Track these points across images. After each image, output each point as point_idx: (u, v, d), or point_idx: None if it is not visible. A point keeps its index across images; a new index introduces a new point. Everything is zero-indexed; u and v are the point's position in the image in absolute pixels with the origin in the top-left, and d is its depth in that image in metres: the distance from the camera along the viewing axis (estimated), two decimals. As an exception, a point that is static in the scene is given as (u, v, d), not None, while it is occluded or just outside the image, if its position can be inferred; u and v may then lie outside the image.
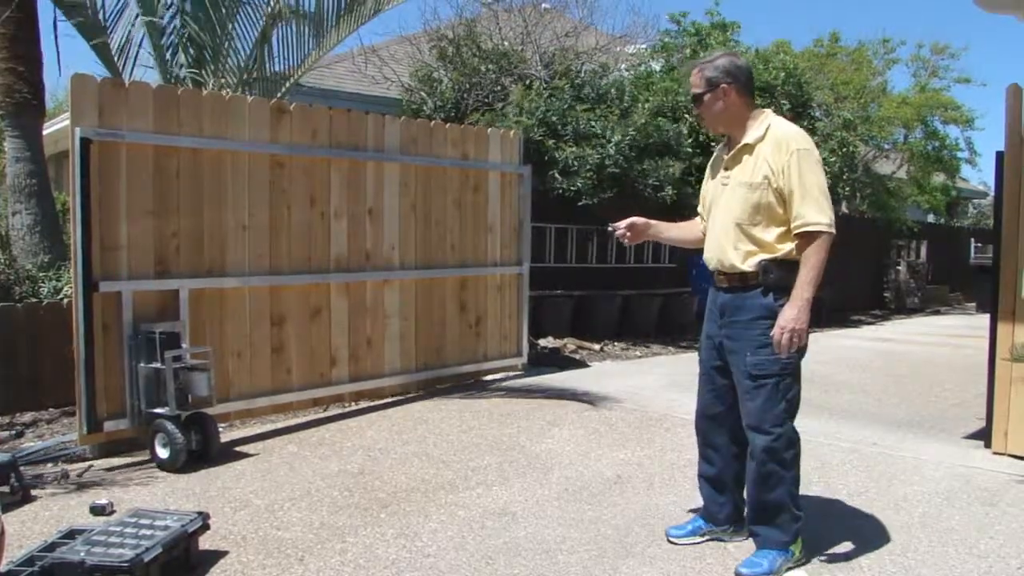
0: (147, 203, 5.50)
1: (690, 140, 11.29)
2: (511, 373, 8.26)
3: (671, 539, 3.90)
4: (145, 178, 5.49)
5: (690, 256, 13.48)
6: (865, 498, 4.62)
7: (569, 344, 10.01)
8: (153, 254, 5.56)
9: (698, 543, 3.86)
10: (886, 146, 18.05)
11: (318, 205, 6.52)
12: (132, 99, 5.43)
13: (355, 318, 6.86)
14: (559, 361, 9.20)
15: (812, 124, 13.34)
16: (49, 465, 5.04)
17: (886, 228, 18.18)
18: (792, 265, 3.46)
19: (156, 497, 4.48)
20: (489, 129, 8.30)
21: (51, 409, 6.33)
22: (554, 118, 9.92)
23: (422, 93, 10.95)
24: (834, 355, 10.61)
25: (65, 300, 6.64)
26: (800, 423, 6.43)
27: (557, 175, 9.74)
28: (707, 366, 3.82)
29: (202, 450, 5.12)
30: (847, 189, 15.22)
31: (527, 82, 10.87)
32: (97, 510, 4.18)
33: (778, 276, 3.47)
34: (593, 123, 10.04)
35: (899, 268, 18.95)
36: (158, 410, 5.17)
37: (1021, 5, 6.12)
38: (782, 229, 3.50)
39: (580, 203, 9.95)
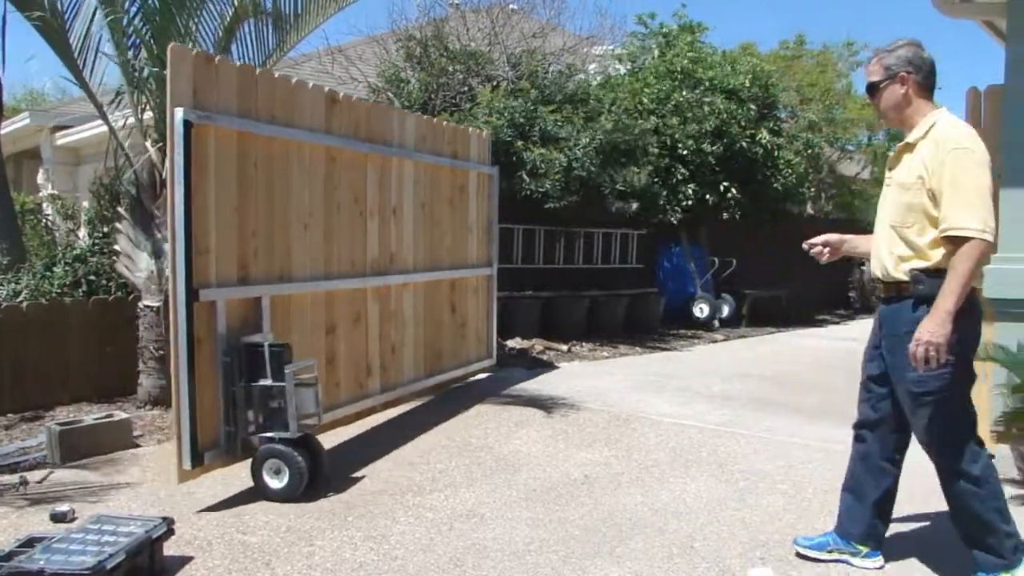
0: (231, 198, 4.82)
1: (656, 138, 11.35)
2: (481, 375, 8.24)
3: (797, 547, 3.76)
4: (230, 169, 4.82)
5: (657, 257, 13.59)
6: (832, 495, 4.61)
7: (537, 345, 10.01)
8: (236, 257, 4.88)
9: (821, 560, 3.69)
10: (850, 147, 18.26)
11: (359, 203, 6.09)
12: (221, 78, 4.79)
13: (384, 323, 6.41)
14: (527, 362, 9.19)
15: (777, 125, 13.48)
16: (7, 473, 4.94)
17: (850, 228, 18.37)
18: (944, 275, 3.21)
19: (119, 502, 4.42)
20: (470, 129, 8.27)
21: (9, 415, 6.20)
22: (522, 119, 9.92)
23: (389, 94, 10.89)
24: (800, 354, 10.72)
25: (25, 303, 6.53)
26: (768, 423, 6.53)
27: (525, 176, 9.74)
28: (865, 375, 3.67)
29: (312, 475, 4.60)
30: (812, 190, 15.38)
31: (494, 83, 10.86)
32: (58, 517, 4.11)
33: (928, 287, 3.25)
34: (559, 124, 10.05)
35: (863, 268, 19.10)
36: (270, 433, 4.59)
37: (980, 11, 6.22)
38: (937, 233, 3.27)
39: (547, 205, 9.96)
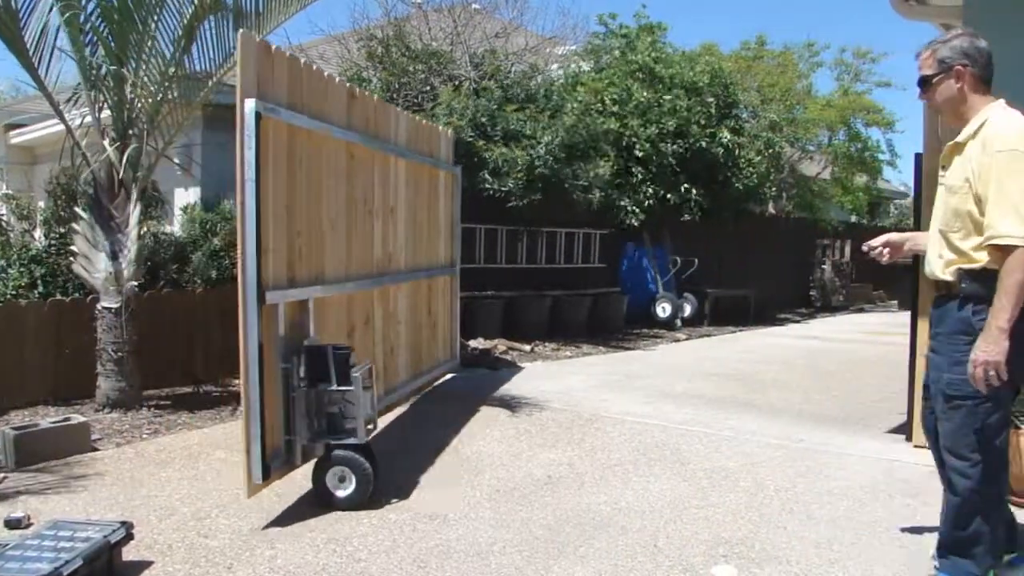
0: (283, 195, 4.56)
1: (615, 136, 11.42)
2: (445, 377, 8.22)
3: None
4: (282, 163, 4.56)
5: (620, 257, 13.64)
6: (792, 493, 4.70)
7: (500, 345, 10.00)
8: (286, 258, 4.63)
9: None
10: (811, 147, 18.49)
11: (367, 202, 5.93)
12: (276, 69, 4.56)
13: (385, 325, 6.28)
14: (490, 362, 9.18)
15: (738, 125, 13.60)
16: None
17: (811, 228, 18.62)
18: (992, 275, 3.06)
19: (77, 507, 4.34)
20: (440, 127, 8.24)
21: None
22: (483, 119, 9.91)
23: (351, 93, 10.85)
24: (762, 353, 10.81)
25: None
26: (730, 421, 6.57)
27: (487, 175, 9.74)
28: (927, 378, 3.48)
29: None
30: (773, 189, 15.56)
31: (456, 83, 10.84)
32: (12, 523, 4.02)
33: (973, 287, 3.14)
34: (523, 122, 10.06)
35: (824, 267, 19.38)
36: (339, 440, 4.43)
37: (937, 14, 6.32)
38: (981, 240, 3.12)
39: (510, 204, 9.96)
